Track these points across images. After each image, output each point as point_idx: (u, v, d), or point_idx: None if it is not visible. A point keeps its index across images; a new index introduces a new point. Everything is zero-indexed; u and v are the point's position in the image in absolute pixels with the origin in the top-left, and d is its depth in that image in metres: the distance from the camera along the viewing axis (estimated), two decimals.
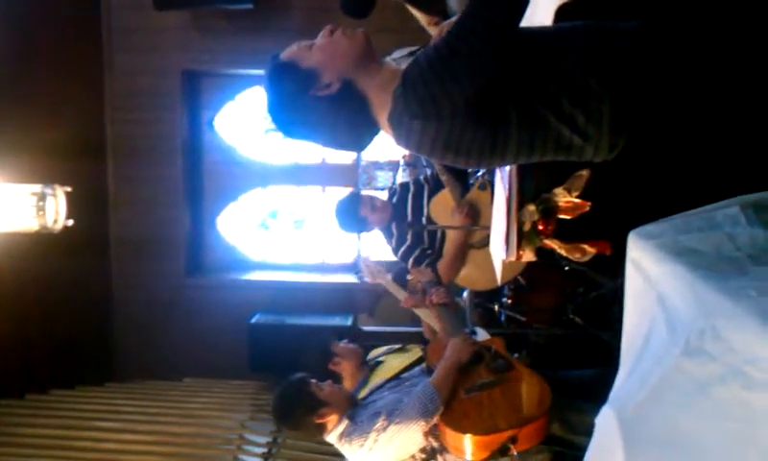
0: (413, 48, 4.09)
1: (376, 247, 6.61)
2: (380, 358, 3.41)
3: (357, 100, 1.66)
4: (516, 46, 1.54)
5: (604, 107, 1.52)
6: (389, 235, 4.13)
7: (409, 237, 4.00)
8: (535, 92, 1.53)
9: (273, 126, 1.77)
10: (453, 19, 1.64)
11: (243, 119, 6.86)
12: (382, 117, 1.65)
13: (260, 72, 6.68)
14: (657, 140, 1.56)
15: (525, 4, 1.52)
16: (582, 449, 2.78)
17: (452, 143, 1.56)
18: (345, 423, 3.00)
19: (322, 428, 3.04)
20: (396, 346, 3.50)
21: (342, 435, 2.99)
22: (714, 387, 1.09)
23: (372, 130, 1.71)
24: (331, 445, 3.13)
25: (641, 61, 1.52)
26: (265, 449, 5.18)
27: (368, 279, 4.09)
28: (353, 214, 4.07)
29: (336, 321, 6.23)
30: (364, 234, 6.58)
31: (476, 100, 1.50)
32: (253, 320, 6.29)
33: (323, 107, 1.66)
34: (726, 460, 1.06)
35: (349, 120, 1.69)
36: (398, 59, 4.07)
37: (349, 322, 6.24)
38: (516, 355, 3.36)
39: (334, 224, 4.18)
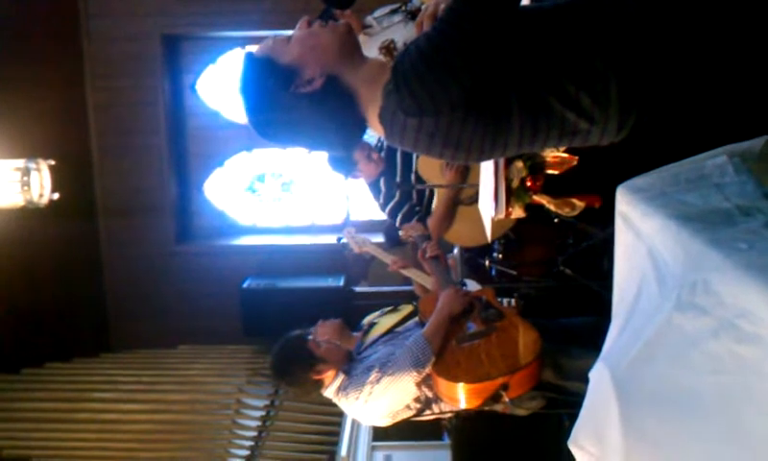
0: (394, 6, 4.04)
1: (364, 205, 6.63)
2: (374, 321, 3.43)
3: (343, 96, 1.54)
4: (515, 28, 1.44)
5: (611, 87, 1.43)
6: (377, 192, 4.11)
7: (397, 194, 3.99)
8: (537, 76, 1.43)
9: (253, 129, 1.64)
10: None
11: (225, 82, 6.79)
12: (371, 113, 1.53)
13: (241, 34, 6.63)
14: (666, 116, 1.47)
15: None
16: (574, 394, 2.84)
17: (452, 138, 1.45)
18: (341, 377, 3.05)
19: (319, 384, 3.09)
20: (388, 308, 3.52)
21: (338, 389, 3.04)
22: (707, 341, 1.09)
23: (361, 127, 1.59)
24: (328, 405, 3.15)
25: (647, 36, 1.43)
26: (263, 412, 5.23)
27: (353, 249, 4.08)
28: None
29: (328, 282, 6.24)
30: (350, 188, 6.59)
31: (474, 89, 1.40)
32: (245, 284, 6.30)
33: (305, 104, 1.54)
34: (720, 413, 1.07)
35: (336, 118, 1.56)
36: (380, 17, 4.02)
37: (341, 282, 6.25)
38: (507, 300, 3.39)
39: (324, 157, 4.13)
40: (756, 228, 1.15)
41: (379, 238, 4.55)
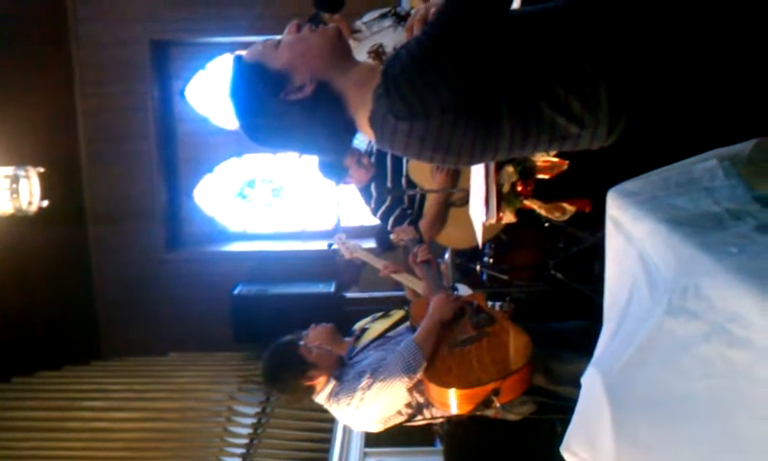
0: (383, 10, 4.04)
1: (354, 211, 6.62)
2: (366, 326, 3.43)
3: (333, 101, 1.54)
4: (505, 31, 1.43)
5: (600, 91, 1.42)
6: (368, 196, 4.11)
7: (388, 198, 3.99)
8: (527, 80, 1.43)
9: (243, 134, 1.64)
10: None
11: (215, 88, 6.77)
12: (361, 117, 1.53)
13: (230, 39, 6.62)
14: (656, 120, 1.47)
15: None
16: (565, 399, 2.84)
17: (442, 142, 1.45)
18: (332, 383, 3.04)
19: (311, 390, 3.08)
20: (380, 313, 3.52)
21: (330, 395, 3.03)
22: (698, 345, 1.08)
23: (350, 131, 1.59)
24: (319, 412, 3.14)
25: (636, 40, 1.42)
26: (254, 419, 5.21)
27: (344, 256, 4.07)
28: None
29: (319, 288, 6.24)
30: (340, 193, 6.59)
31: (465, 93, 1.40)
32: (236, 291, 6.28)
33: (296, 111, 1.54)
34: (711, 418, 1.06)
35: (326, 123, 1.56)
36: (369, 22, 4.02)
37: (332, 288, 6.24)
38: (499, 304, 3.39)
39: (315, 164, 4.12)
40: (747, 231, 1.15)
41: (370, 244, 4.54)
